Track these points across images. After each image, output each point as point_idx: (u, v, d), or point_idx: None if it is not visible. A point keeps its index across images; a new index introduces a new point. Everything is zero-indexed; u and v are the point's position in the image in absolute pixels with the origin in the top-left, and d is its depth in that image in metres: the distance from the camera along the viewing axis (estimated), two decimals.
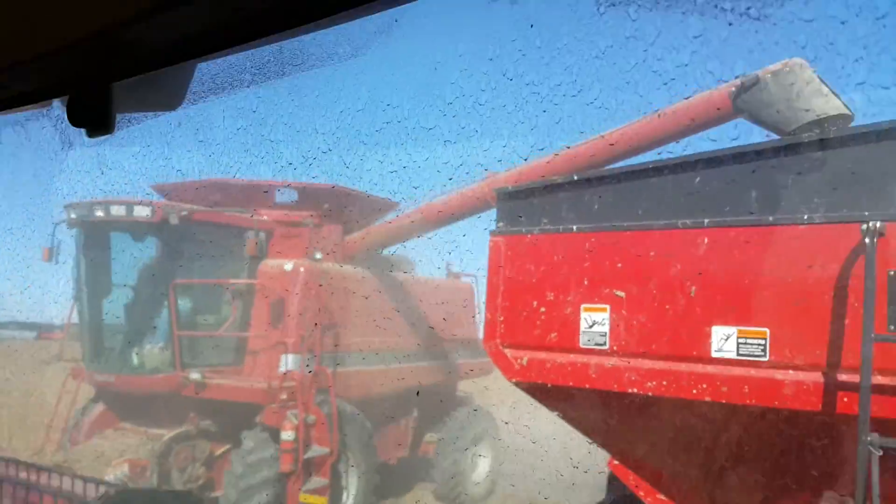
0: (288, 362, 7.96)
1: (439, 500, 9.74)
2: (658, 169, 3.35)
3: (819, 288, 2.82)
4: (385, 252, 9.68)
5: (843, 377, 2.74)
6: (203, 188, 8.59)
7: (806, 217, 2.88)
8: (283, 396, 7.60)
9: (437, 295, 10.18)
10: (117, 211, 7.99)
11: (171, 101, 1.59)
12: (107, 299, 8.54)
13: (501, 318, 3.87)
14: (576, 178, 3.67)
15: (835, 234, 2.80)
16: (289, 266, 8.34)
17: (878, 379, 2.62)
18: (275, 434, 7.42)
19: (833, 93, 3.95)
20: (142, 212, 7.93)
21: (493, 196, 6.46)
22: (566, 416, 3.87)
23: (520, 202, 3.88)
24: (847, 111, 3.64)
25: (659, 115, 5.19)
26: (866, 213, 2.71)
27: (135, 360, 8.33)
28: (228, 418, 8.02)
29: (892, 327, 2.63)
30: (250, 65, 1.82)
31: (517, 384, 3.86)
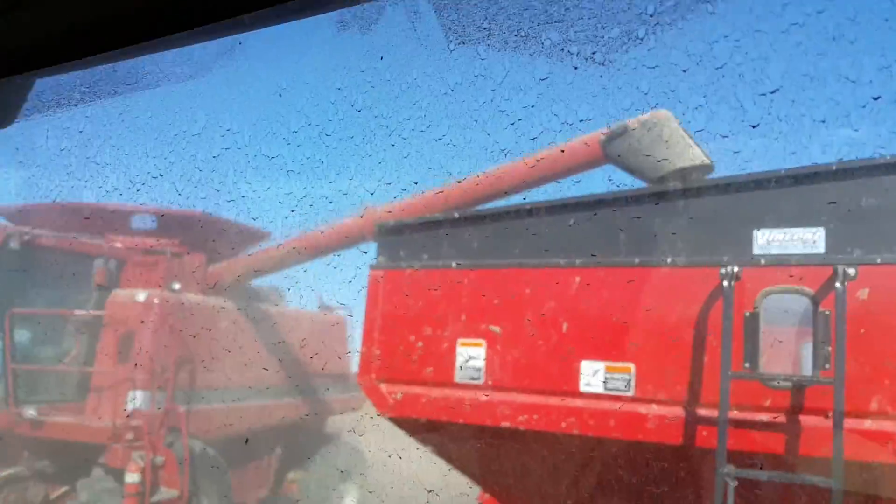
0: (136, 399, 7.41)
1: None
2: (535, 210, 3.49)
3: (681, 327, 3.02)
4: (253, 283, 9.33)
5: (702, 412, 2.93)
6: (53, 211, 7.95)
7: (669, 260, 3.09)
8: (129, 436, 7.09)
9: (307, 328, 9.94)
10: None
11: (3, 116, 1.48)
12: None
13: (378, 353, 3.83)
14: (456, 215, 3.74)
15: (696, 277, 3.02)
16: (141, 297, 7.83)
17: (734, 414, 2.83)
18: (119, 476, 6.91)
19: (695, 144, 4.27)
20: None
21: (370, 230, 6.48)
22: (440, 452, 3.86)
23: (401, 237, 3.89)
24: (708, 161, 3.93)
25: (537, 160, 5.33)
26: (724, 258, 2.95)
27: None
28: (68, 459, 7.40)
29: (748, 365, 2.85)
30: (80, 83, 1.72)
31: (391, 420, 3.81)
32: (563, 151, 5.14)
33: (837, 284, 2.69)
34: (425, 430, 3.75)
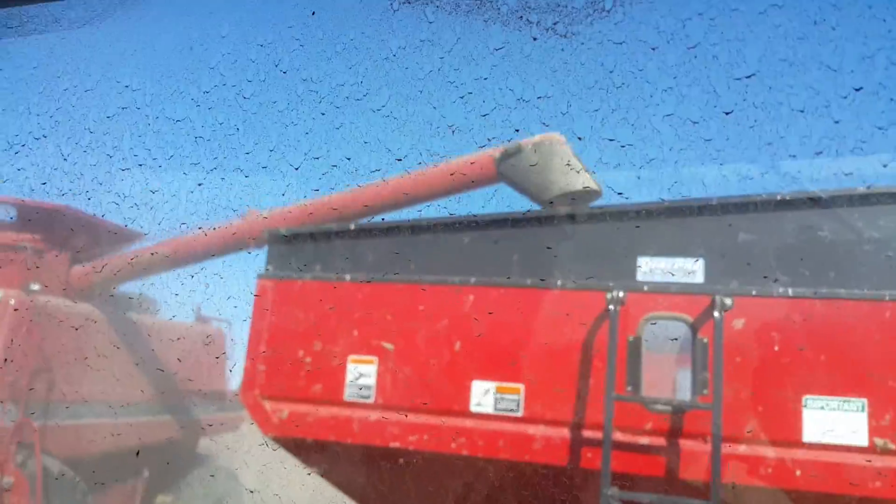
0: None
1: None
2: (432, 226, 3.46)
3: (569, 349, 3.08)
4: (124, 291, 8.72)
5: (587, 434, 3.00)
6: None
7: (560, 283, 3.15)
8: None
9: (181, 340, 9.25)
10: None
11: None
12: None
13: (263, 368, 3.68)
14: (353, 227, 3.65)
15: (584, 301, 3.09)
16: None
17: (619, 436, 2.91)
18: None
19: (585, 169, 4.35)
20: None
21: (253, 236, 6.21)
22: (326, 474, 3.75)
23: (293, 246, 3.75)
24: (596, 187, 4.03)
25: (429, 174, 5.26)
26: (611, 284, 3.03)
27: None
28: None
29: (630, 388, 2.95)
30: None
31: (276, 440, 3.67)
32: (456, 168, 5.08)
33: (715, 313, 2.84)
34: (311, 450, 3.63)
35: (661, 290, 3.00)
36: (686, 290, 2.96)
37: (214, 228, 6.78)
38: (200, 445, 9.66)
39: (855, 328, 2.80)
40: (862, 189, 2.88)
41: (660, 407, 2.90)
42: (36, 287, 7.24)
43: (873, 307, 2.78)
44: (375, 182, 5.49)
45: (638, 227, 3.11)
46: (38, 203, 7.59)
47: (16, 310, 6.94)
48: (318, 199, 5.94)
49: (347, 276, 3.57)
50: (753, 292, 2.88)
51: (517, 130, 4.21)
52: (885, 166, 2.64)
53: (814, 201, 2.89)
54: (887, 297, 2.77)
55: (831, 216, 2.86)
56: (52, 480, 6.78)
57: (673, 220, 3.06)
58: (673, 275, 2.99)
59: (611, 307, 2.97)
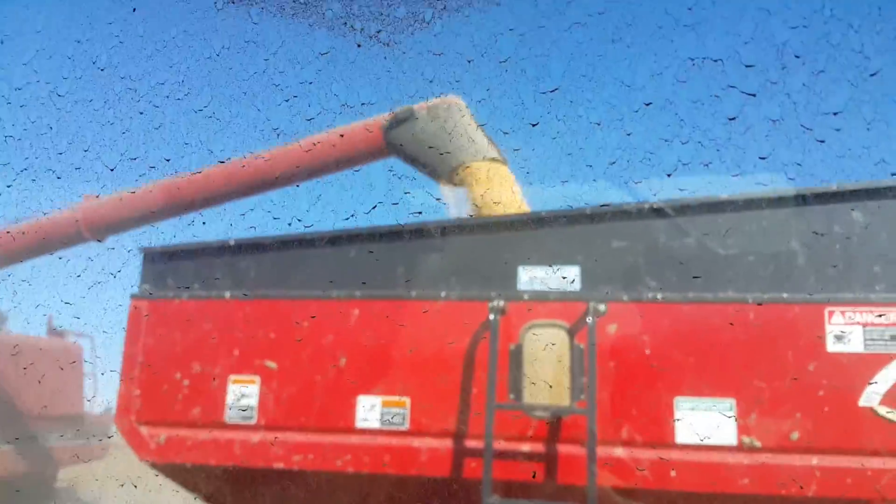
0: None
1: None
2: (314, 240, 3.39)
3: (453, 359, 3.08)
4: None
5: (472, 444, 2.98)
6: None
7: (444, 294, 3.14)
8: None
9: (29, 358, 8.16)
10: None
11: None
12: None
13: (138, 392, 3.49)
14: (232, 242, 3.53)
15: (467, 311, 3.10)
16: None
17: (503, 444, 2.91)
18: None
19: (487, 138, 4.05)
20: None
21: (89, 227, 5.60)
22: (209, 500, 3.58)
23: (168, 264, 3.59)
24: (499, 157, 3.85)
25: (311, 144, 4.69)
26: (493, 293, 3.05)
27: None
28: None
29: (513, 396, 2.96)
30: None
31: (152, 466, 3.48)
32: (341, 136, 4.59)
33: (589, 319, 2.89)
34: (192, 475, 3.47)
35: (541, 297, 3.05)
36: (564, 297, 3.02)
37: (46, 218, 6.00)
38: (60, 477, 8.67)
39: (721, 331, 2.92)
40: (725, 196, 3.03)
41: (539, 413, 2.93)
42: None
43: (738, 310, 2.91)
44: (246, 157, 4.92)
45: (518, 237, 3.15)
46: None
47: None
48: (176, 178, 5.31)
49: (227, 294, 3.45)
50: (625, 298, 2.96)
51: (370, 142, 4.08)
52: (668, 175, 2.82)
53: (681, 209, 3.01)
54: (750, 300, 2.91)
55: (699, 223, 2.99)
56: None
57: (550, 229, 3.12)
58: (551, 282, 3.04)
59: (492, 316, 2.98)
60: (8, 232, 6.06)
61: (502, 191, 3.87)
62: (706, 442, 2.84)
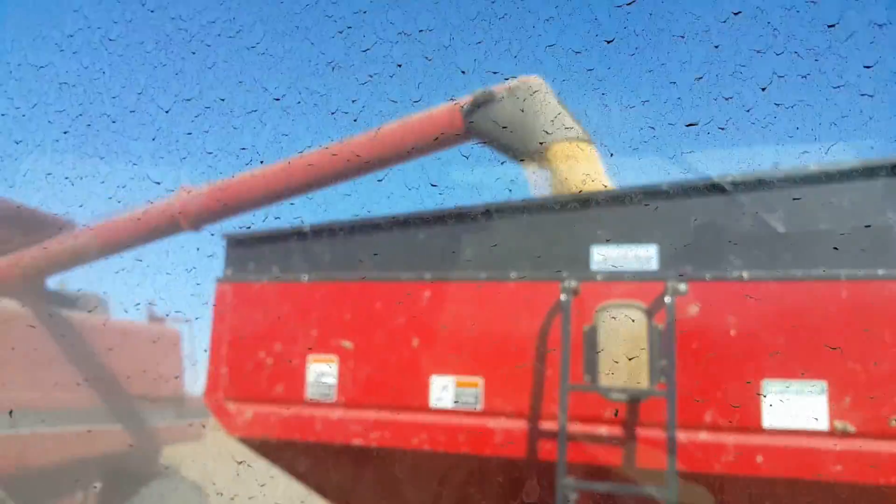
0: None
1: None
2: (383, 224, 3.41)
3: (525, 340, 3.04)
4: (66, 288, 8.02)
5: (546, 425, 2.95)
6: None
7: (514, 275, 3.09)
8: None
9: (131, 342, 8.52)
10: None
11: None
12: None
13: (225, 371, 3.64)
14: (307, 228, 3.60)
15: (539, 292, 3.04)
16: None
17: (577, 427, 2.86)
18: None
19: (571, 116, 3.93)
20: None
21: (186, 217, 5.88)
22: (294, 473, 3.72)
23: (249, 249, 3.70)
24: (584, 136, 3.73)
25: (390, 131, 4.74)
26: (565, 274, 2.98)
27: None
28: None
29: (588, 378, 2.90)
30: None
31: (241, 440, 3.63)
32: (421, 121, 4.64)
33: (667, 299, 2.78)
34: (277, 450, 3.60)
35: (616, 278, 2.95)
36: (640, 277, 2.91)
37: (145, 210, 6.24)
38: (161, 456, 9.08)
39: (812, 310, 2.75)
40: (815, 167, 2.82)
41: (615, 395, 2.86)
42: None
43: (829, 287, 2.73)
44: (326, 147, 5.02)
45: (590, 215, 3.05)
46: None
47: None
48: (262, 170, 5.49)
49: (304, 277, 3.53)
50: (707, 276, 2.82)
51: (399, 65, 3.97)
52: (763, 89, 2.62)
53: (767, 182, 2.83)
54: (843, 277, 2.72)
55: (785, 197, 2.81)
56: None
57: (625, 208, 3.00)
58: (627, 262, 2.94)
59: (563, 297, 2.92)
60: (110, 223, 6.39)
61: (587, 170, 3.76)
62: (795, 426, 2.69)
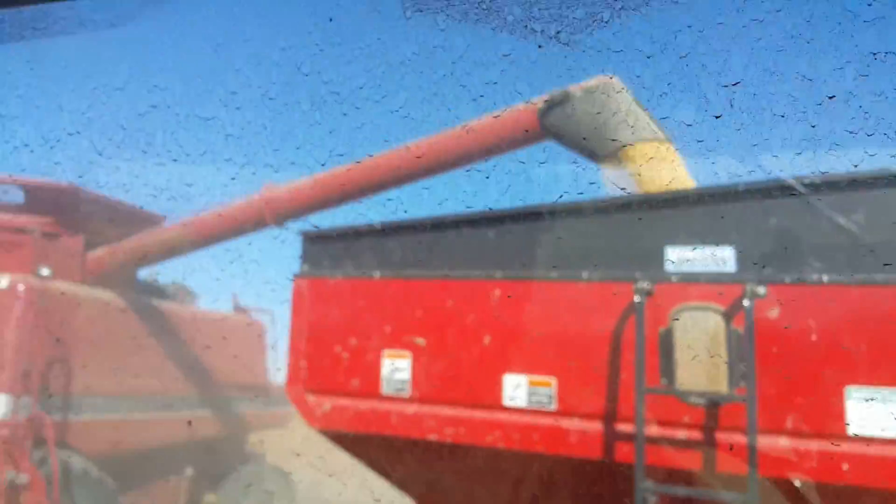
0: None
1: None
2: (456, 222, 3.42)
3: (598, 341, 3.02)
4: (157, 279, 8.36)
5: (622, 427, 2.94)
6: None
7: (585, 275, 3.06)
8: None
9: (218, 332, 8.82)
10: None
11: None
12: None
13: (304, 364, 3.76)
14: (379, 225, 3.64)
15: (611, 292, 3.00)
16: (3, 282, 6.60)
17: (654, 429, 2.84)
18: None
19: (650, 117, 3.89)
20: None
21: (272, 213, 6.12)
22: (369, 463, 3.83)
23: (325, 246, 3.78)
24: (663, 137, 3.66)
25: (466, 130, 4.85)
26: (637, 274, 2.93)
27: None
28: None
29: (665, 381, 2.86)
30: None
31: (320, 431, 3.76)
32: (497, 120, 4.67)
33: (746, 302, 2.70)
34: (354, 442, 3.72)
35: (692, 279, 2.88)
36: (717, 279, 2.84)
37: (232, 206, 6.55)
38: (248, 442, 9.47)
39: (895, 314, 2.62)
40: None
41: (694, 399, 2.81)
42: (46, 272, 6.84)
43: None
44: (403, 146, 5.14)
45: (665, 215, 2.98)
46: (46, 183, 7.18)
47: (28, 296, 6.56)
48: (342, 169, 5.63)
49: (377, 273, 3.58)
50: (787, 280, 2.73)
51: (526, 127, 4.10)
52: (855, 166, 2.53)
53: (848, 183, 2.70)
54: None
55: (866, 199, 2.67)
56: (75, 479, 6.43)
57: (701, 208, 2.92)
58: (703, 264, 2.86)
59: (637, 298, 2.87)
60: (200, 218, 6.73)
61: (666, 170, 3.66)
62: (883, 434, 2.60)
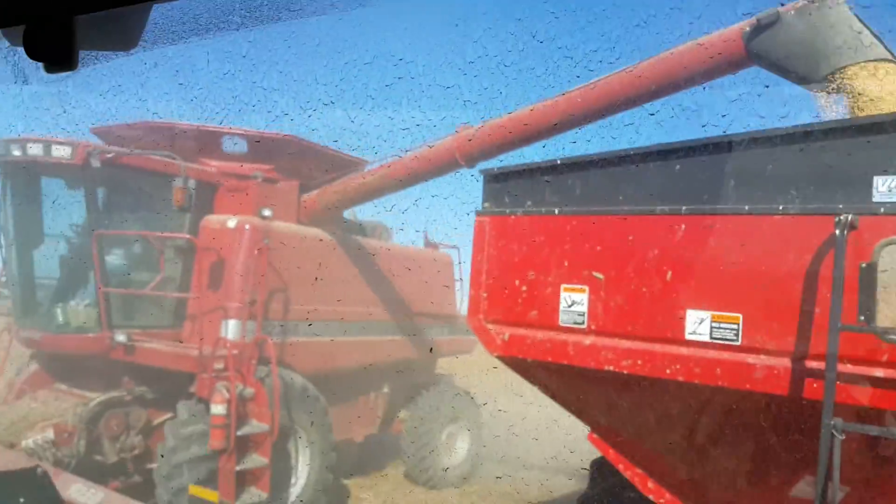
0: (228, 329, 7.13)
1: (410, 481, 9.33)
2: (639, 156, 3.41)
3: (792, 277, 2.93)
4: (358, 216, 9.11)
5: (811, 364, 2.86)
6: (142, 130, 7.56)
7: (781, 208, 2.96)
8: (219, 366, 6.74)
9: (411, 265, 9.51)
10: (34, 150, 6.83)
11: (127, 40, 1.51)
12: (36, 250, 7.51)
13: (485, 296, 3.96)
14: (559, 162, 3.72)
15: (809, 226, 2.89)
16: (232, 223, 7.46)
17: (846, 367, 2.75)
18: (208, 407, 6.67)
19: (874, 35, 3.54)
20: (61, 151, 6.78)
21: (463, 153, 6.38)
22: (546, 390, 3.99)
23: (505, 184, 3.93)
24: (891, 57, 3.35)
25: (671, 53, 4.61)
26: (840, 206, 2.79)
27: (59, 317, 7.37)
28: (167, 385, 7.25)
29: (862, 318, 2.73)
30: (239, 6, 1.76)
31: (499, 358, 3.96)
32: (699, 46, 4.47)
33: None
34: (531, 369, 3.88)
35: None
36: None
37: (426, 149, 7.03)
38: (437, 366, 10.28)
39: None
40: None
41: (894, 337, 2.67)
42: (268, 213, 7.71)
43: None
44: (596, 80, 5.06)
45: (875, 142, 2.79)
46: (266, 134, 7.98)
47: (252, 234, 7.40)
48: (530, 109, 5.71)
49: (556, 210, 3.68)
50: None
51: (729, 52, 3.78)
52: None
53: None
54: None
55: None
56: (293, 393, 7.27)
57: None
58: None
59: (838, 232, 2.75)
60: (398, 162, 7.30)
61: (893, 92, 3.35)
62: None
